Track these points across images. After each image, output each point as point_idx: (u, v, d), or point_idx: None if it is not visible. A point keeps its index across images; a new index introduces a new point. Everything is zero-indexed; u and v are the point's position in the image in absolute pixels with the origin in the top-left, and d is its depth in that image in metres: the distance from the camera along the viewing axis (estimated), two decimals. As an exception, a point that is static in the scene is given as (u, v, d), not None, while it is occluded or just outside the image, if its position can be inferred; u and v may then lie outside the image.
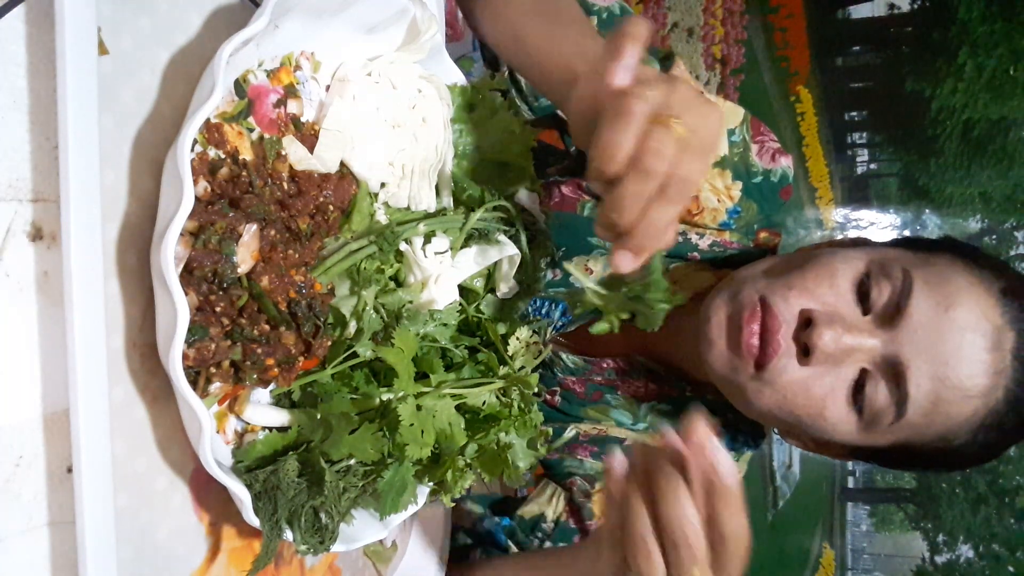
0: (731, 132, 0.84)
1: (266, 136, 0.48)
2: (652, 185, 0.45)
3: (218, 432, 0.46)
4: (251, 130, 0.47)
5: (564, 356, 0.83)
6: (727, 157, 0.84)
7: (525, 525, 0.82)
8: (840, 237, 0.79)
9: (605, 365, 0.86)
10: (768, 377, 0.67)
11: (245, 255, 0.43)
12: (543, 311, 0.85)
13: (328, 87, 0.53)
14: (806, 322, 0.65)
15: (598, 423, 0.87)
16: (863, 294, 0.66)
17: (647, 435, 0.86)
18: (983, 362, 0.63)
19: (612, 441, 0.86)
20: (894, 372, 0.65)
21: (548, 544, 0.83)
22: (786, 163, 0.86)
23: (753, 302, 0.68)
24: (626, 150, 0.44)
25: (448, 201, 0.59)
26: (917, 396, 0.64)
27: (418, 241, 0.54)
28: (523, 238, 0.60)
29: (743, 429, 0.85)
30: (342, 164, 0.52)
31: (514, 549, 0.80)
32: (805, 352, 0.65)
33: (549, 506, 0.84)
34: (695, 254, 0.84)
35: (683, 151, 0.44)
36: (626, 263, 0.49)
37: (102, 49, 0.39)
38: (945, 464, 0.72)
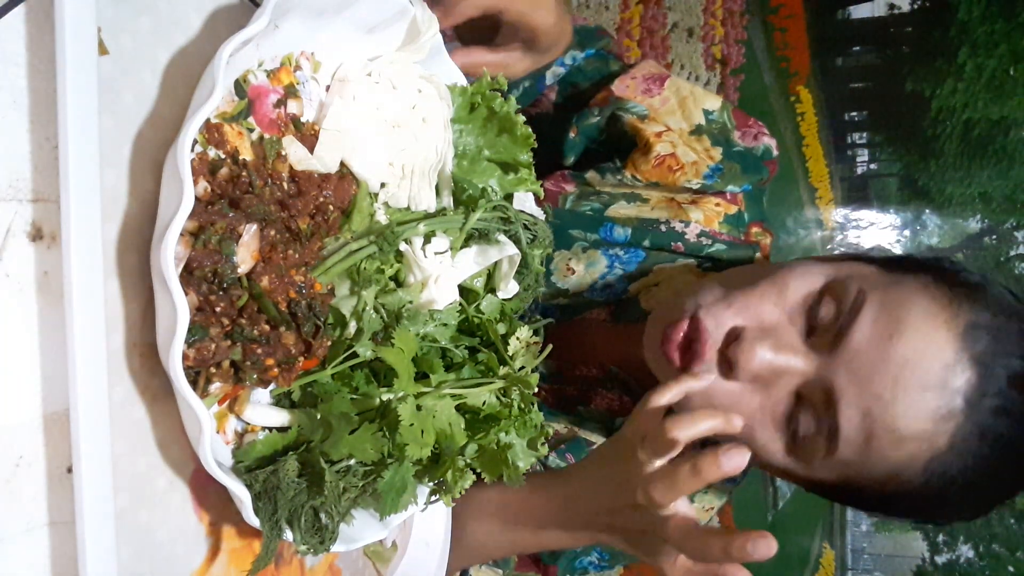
0: (709, 112, 0.84)
1: (266, 136, 0.48)
2: None
3: (218, 432, 0.46)
4: (251, 130, 0.47)
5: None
6: (703, 126, 0.83)
7: None
8: (837, 252, 0.77)
9: (579, 372, 0.86)
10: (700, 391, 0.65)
11: (245, 255, 0.43)
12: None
13: (328, 87, 0.53)
14: (734, 338, 0.63)
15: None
16: (812, 313, 0.63)
17: None
18: (922, 403, 0.58)
19: (581, 442, 0.85)
20: (826, 400, 0.61)
21: None
22: (768, 141, 0.84)
23: (683, 314, 0.66)
24: None
25: (448, 201, 0.59)
26: (848, 430, 0.59)
27: (418, 241, 0.54)
28: (523, 238, 0.60)
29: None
30: (342, 164, 0.52)
31: None
32: (731, 367, 0.63)
33: None
34: (679, 244, 0.83)
35: None
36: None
37: (102, 49, 0.39)
38: (923, 515, 0.67)
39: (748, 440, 0.64)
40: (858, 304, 0.60)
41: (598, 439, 0.85)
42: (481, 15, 0.68)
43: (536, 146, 0.62)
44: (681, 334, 0.65)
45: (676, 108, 0.84)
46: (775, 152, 0.85)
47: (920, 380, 0.58)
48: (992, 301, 0.61)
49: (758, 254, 0.85)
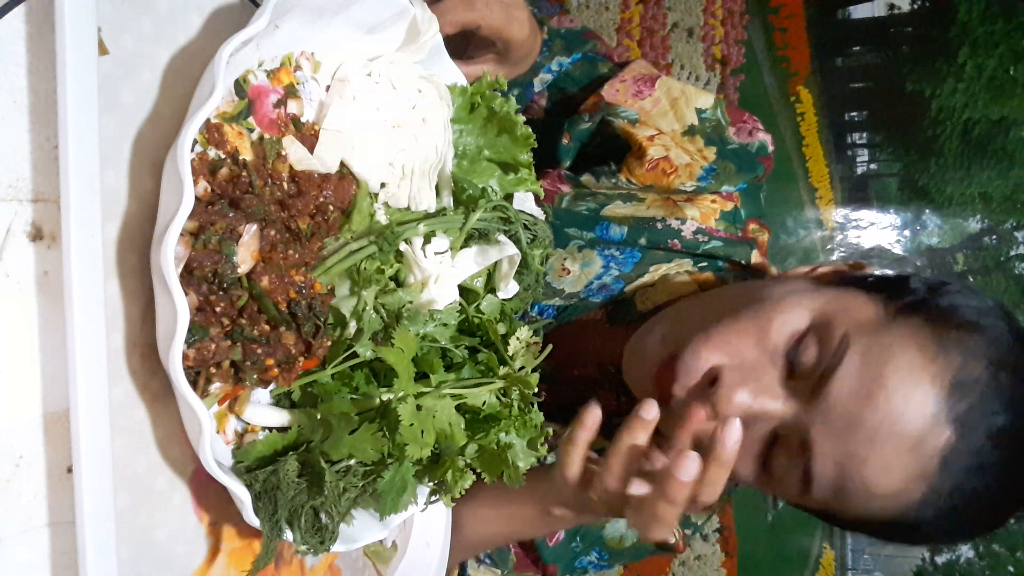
0: (701, 111, 0.83)
1: (266, 136, 0.48)
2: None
3: (218, 432, 0.46)
4: (251, 130, 0.47)
5: None
6: (696, 126, 0.83)
7: None
8: (823, 268, 0.75)
9: (576, 373, 0.86)
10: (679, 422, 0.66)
11: (245, 255, 0.43)
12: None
13: (328, 87, 0.53)
14: (713, 378, 0.62)
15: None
16: (794, 355, 0.61)
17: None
18: (896, 464, 0.57)
19: None
20: (801, 446, 0.60)
21: None
22: (763, 136, 0.84)
23: (664, 354, 0.66)
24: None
25: (448, 201, 0.59)
26: (821, 478, 0.59)
27: (418, 241, 0.54)
28: (523, 238, 0.60)
29: None
30: (342, 164, 0.52)
31: None
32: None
33: None
34: (675, 242, 0.82)
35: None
36: None
37: (102, 49, 0.39)
38: (901, 541, 0.67)
39: (733, 473, 0.65)
40: (841, 351, 0.58)
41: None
42: (458, 31, 0.69)
43: (536, 146, 0.62)
44: (662, 374, 0.66)
45: (668, 109, 0.84)
46: (770, 148, 0.85)
47: (896, 441, 0.56)
48: (985, 349, 0.58)
49: (755, 250, 0.85)
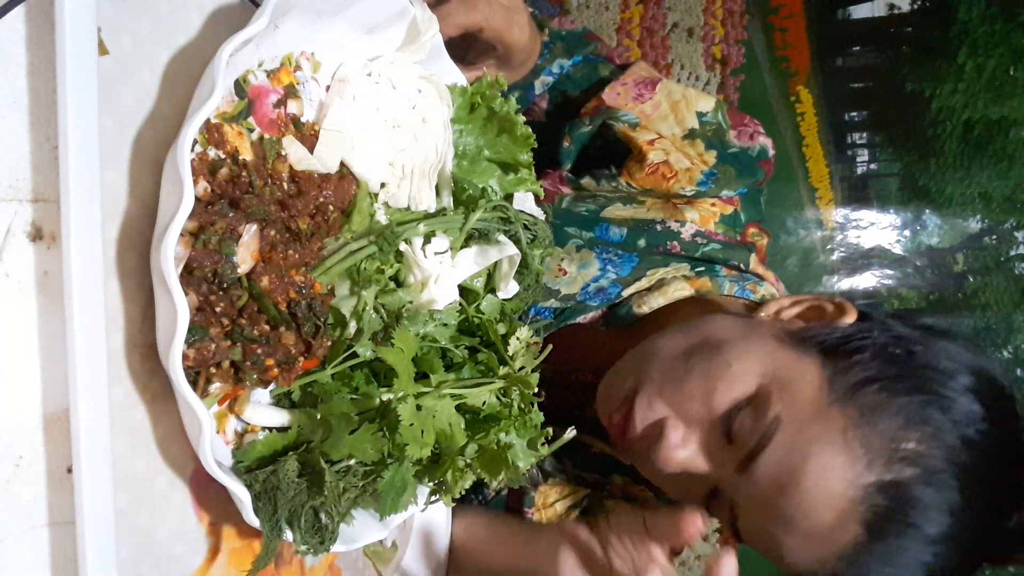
0: (702, 114, 0.84)
1: (266, 136, 0.48)
2: None
3: (218, 432, 0.46)
4: (251, 130, 0.47)
5: None
6: (696, 130, 0.83)
7: None
8: (806, 303, 0.72)
9: (573, 378, 0.86)
10: (633, 459, 0.70)
11: (245, 255, 0.43)
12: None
13: (328, 87, 0.53)
14: (659, 432, 0.65)
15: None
16: (732, 421, 0.62)
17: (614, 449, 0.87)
18: (807, 549, 0.59)
19: (577, 445, 0.86)
20: (731, 507, 0.64)
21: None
22: (764, 140, 0.84)
23: (620, 397, 0.69)
24: None
25: (448, 201, 0.59)
26: (748, 540, 0.64)
27: (418, 241, 0.54)
28: (523, 238, 0.60)
29: None
30: (342, 164, 0.52)
31: None
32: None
33: None
34: (674, 243, 0.83)
35: None
36: None
37: (102, 49, 0.39)
38: None
39: (680, 500, 0.69)
40: (771, 432, 0.59)
41: (592, 441, 0.85)
42: (459, 34, 0.69)
43: (536, 146, 0.62)
44: (619, 416, 0.68)
45: (669, 112, 0.84)
46: (771, 152, 0.85)
47: (807, 530, 0.58)
48: (919, 457, 0.57)
49: (753, 255, 0.85)
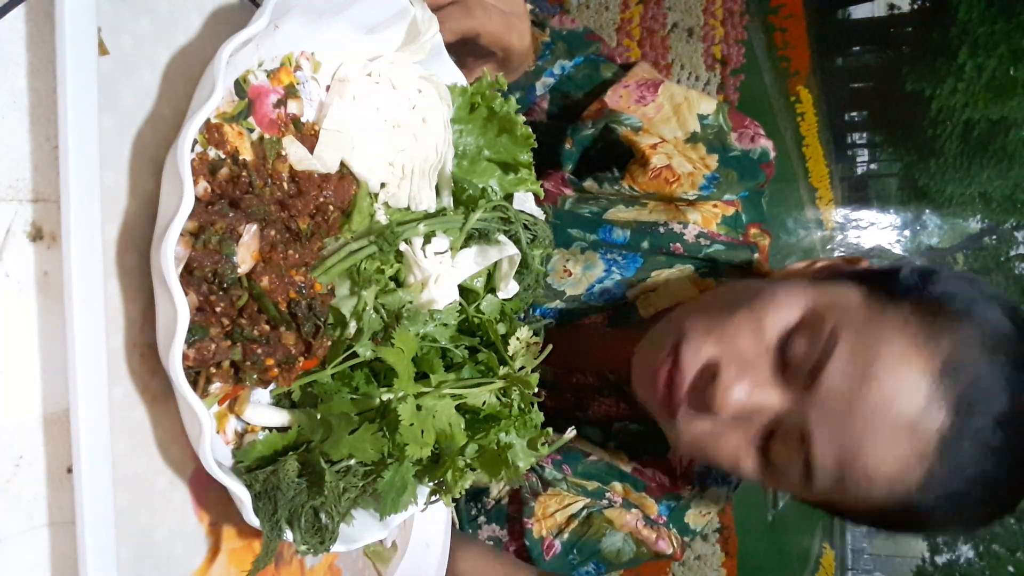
0: (703, 117, 0.84)
1: (266, 136, 0.48)
2: None
3: (218, 432, 0.46)
4: (251, 130, 0.47)
5: None
6: (698, 133, 0.83)
7: (468, 490, 0.84)
8: (820, 263, 0.75)
9: (575, 380, 0.86)
10: (679, 426, 0.66)
11: (245, 255, 0.43)
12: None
13: (328, 87, 0.53)
14: (711, 376, 0.63)
15: None
16: (786, 348, 0.62)
17: (615, 454, 0.87)
18: (894, 448, 0.58)
19: (577, 453, 0.86)
20: (800, 437, 0.61)
21: (482, 518, 0.84)
22: (765, 142, 0.84)
23: (665, 350, 0.67)
24: None
25: (448, 201, 0.59)
26: (822, 468, 0.60)
27: (418, 241, 0.54)
28: (523, 238, 0.60)
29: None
30: (342, 164, 0.52)
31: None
32: (708, 407, 0.63)
33: (497, 485, 0.84)
34: (678, 245, 0.83)
35: None
36: None
37: (102, 49, 0.39)
38: (908, 531, 0.67)
39: (732, 468, 0.66)
40: (831, 344, 0.59)
41: (592, 448, 0.85)
42: (458, 39, 0.68)
43: (536, 146, 0.62)
44: (665, 373, 0.66)
45: (671, 115, 0.84)
46: (772, 154, 0.85)
47: (891, 426, 0.57)
48: (976, 333, 0.59)
49: (756, 255, 0.85)
